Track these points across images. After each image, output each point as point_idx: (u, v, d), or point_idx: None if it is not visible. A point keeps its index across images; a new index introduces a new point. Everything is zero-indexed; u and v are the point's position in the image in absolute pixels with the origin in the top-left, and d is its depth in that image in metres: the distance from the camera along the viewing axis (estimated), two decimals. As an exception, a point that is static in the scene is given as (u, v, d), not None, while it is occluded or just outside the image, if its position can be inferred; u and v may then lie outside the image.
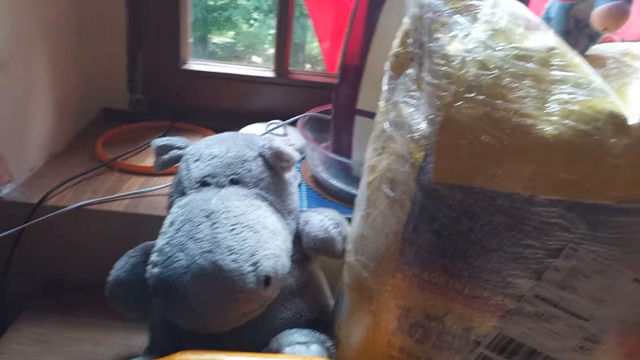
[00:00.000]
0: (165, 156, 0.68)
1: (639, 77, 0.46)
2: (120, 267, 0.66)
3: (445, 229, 0.49)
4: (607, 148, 0.43)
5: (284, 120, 1.04)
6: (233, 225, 0.57)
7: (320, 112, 1.00)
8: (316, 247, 0.65)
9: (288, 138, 1.02)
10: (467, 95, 0.45)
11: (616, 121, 0.43)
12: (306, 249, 0.66)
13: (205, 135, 1.08)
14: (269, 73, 1.10)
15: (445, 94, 0.46)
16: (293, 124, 1.00)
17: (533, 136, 0.44)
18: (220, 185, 0.62)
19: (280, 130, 1.03)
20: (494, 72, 0.45)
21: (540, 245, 0.46)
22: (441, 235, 0.49)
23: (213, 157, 0.64)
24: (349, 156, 0.85)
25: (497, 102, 0.45)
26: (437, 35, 0.48)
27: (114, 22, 1.04)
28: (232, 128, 1.09)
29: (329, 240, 0.64)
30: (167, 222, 0.60)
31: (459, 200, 0.47)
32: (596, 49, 0.56)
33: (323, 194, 0.86)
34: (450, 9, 0.49)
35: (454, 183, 0.47)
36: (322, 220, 0.66)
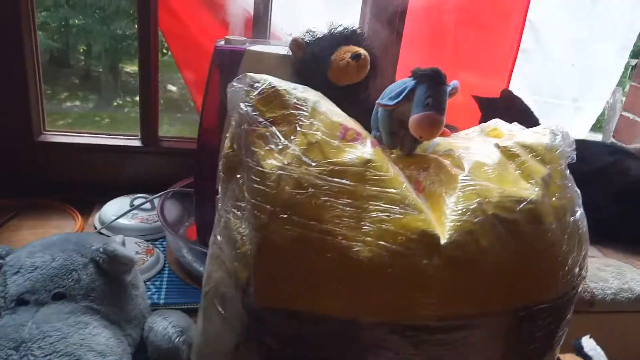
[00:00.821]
0: (-19, 267, 0.60)
1: (455, 187, 0.46)
2: None
3: (273, 354, 0.45)
4: (421, 269, 0.42)
5: (154, 190, 0.97)
6: (48, 355, 0.50)
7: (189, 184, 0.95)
8: (160, 357, 0.60)
9: (156, 212, 0.95)
10: (283, 215, 0.43)
11: (428, 241, 0.42)
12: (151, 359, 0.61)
13: (67, 212, 1.00)
14: (136, 142, 1.04)
15: (261, 214, 0.44)
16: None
17: (350, 260, 0.42)
18: (40, 303, 0.55)
19: (148, 204, 0.96)
20: (309, 190, 0.43)
21: (369, 367, 0.44)
22: (270, 361, 0.46)
23: (35, 269, 0.57)
24: (213, 236, 0.81)
25: (312, 223, 0.42)
26: (254, 148, 0.46)
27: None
28: (97, 202, 1.01)
29: (173, 350, 0.59)
30: (-29, 355, 0.52)
31: (283, 325, 0.44)
32: (429, 142, 0.56)
33: (186, 279, 0.80)
34: (268, 118, 0.47)
35: (276, 307, 0.44)
36: (166, 328, 0.60)
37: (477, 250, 0.43)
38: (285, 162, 0.44)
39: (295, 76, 0.62)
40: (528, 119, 1.11)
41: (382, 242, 0.42)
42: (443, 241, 0.42)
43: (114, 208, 0.96)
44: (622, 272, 0.91)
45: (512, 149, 0.51)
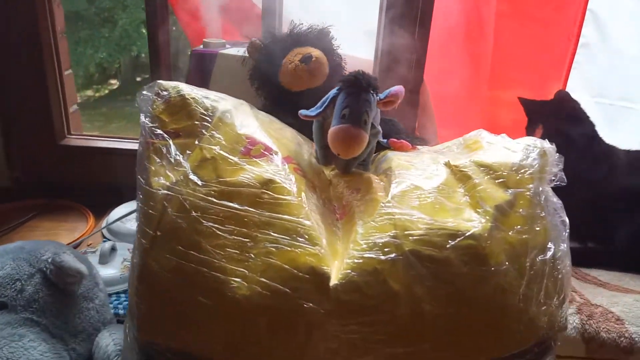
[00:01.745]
0: None
1: (371, 215, 0.38)
2: None
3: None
4: (306, 314, 0.35)
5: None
6: (-29, 367, 0.49)
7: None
8: (101, 375, 0.57)
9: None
10: (163, 242, 0.38)
11: (317, 280, 0.35)
12: (96, 376, 0.58)
13: (83, 213, 1.02)
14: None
15: (142, 239, 0.39)
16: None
17: (225, 297, 0.36)
18: (-19, 312, 0.55)
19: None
20: (191, 214, 0.38)
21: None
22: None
23: (-18, 277, 0.57)
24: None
25: (191, 252, 0.37)
26: (147, 163, 0.41)
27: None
28: (114, 204, 1.03)
29: (110, 370, 0.56)
30: None
31: (166, 363, 0.39)
32: (381, 157, 0.48)
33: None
34: (170, 130, 0.42)
35: (157, 343, 0.39)
36: (107, 345, 0.57)
37: (382, 295, 0.35)
38: (174, 181, 0.39)
39: (250, 81, 0.57)
40: (579, 126, 0.96)
41: (264, 279, 0.35)
42: (333, 282, 0.35)
43: (123, 211, 0.97)
44: (675, 313, 0.75)
45: (463, 169, 0.42)
